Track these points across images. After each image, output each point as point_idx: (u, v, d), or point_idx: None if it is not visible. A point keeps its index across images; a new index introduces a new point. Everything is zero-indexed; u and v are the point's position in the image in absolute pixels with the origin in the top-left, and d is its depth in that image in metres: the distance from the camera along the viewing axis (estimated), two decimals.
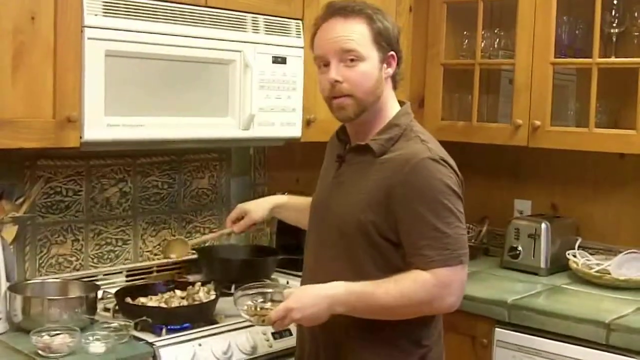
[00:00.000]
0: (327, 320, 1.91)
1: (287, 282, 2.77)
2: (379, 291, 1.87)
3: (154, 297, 2.46)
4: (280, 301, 1.92)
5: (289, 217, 2.46)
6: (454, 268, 1.89)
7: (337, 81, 1.95)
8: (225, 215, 3.07)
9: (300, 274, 2.20)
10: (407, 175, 1.91)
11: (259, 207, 2.45)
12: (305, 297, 1.89)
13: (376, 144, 1.99)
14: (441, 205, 1.89)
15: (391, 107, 2.04)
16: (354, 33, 1.94)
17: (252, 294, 2.04)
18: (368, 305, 1.89)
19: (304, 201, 2.33)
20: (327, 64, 1.97)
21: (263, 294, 2.04)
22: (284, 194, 2.69)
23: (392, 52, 2.00)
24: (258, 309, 1.99)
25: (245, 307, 1.99)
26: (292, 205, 2.44)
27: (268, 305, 1.99)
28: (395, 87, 2.07)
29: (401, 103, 2.09)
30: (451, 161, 1.98)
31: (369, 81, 1.96)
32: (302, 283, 2.14)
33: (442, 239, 1.88)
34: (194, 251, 2.84)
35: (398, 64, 2.03)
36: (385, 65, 1.99)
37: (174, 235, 2.91)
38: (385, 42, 1.97)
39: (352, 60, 1.94)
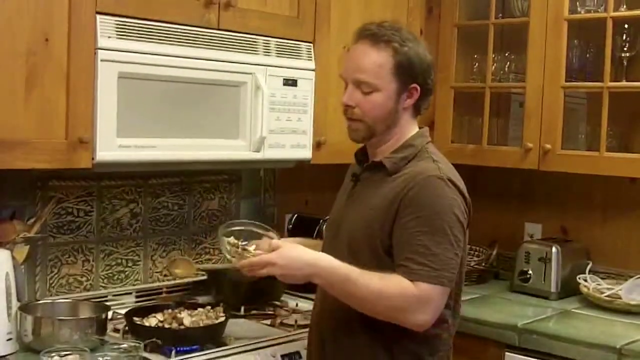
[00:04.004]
0: (338, 334, 1.94)
1: (297, 305, 2.77)
2: (361, 281, 1.87)
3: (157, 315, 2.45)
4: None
5: None
6: (433, 286, 1.87)
7: (349, 105, 2.00)
8: None
9: (308, 295, 2.20)
10: (410, 190, 1.92)
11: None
12: (291, 258, 1.90)
13: (390, 162, 2.01)
14: (436, 225, 1.89)
15: (409, 131, 2.05)
16: (374, 64, 1.96)
17: (238, 230, 2.04)
18: (345, 290, 1.90)
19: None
20: (347, 85, 2.02)
21: (250, 232, 2.07)
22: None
23: (415, 85, 1.99)
24: (240, 249, 1.99)
25: (229, 247, 2.00)
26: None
27: (252, 248, 2.00)
28: (416, 116, 2.06)
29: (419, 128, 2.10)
30: (460, 184, 1.98)
31: (381, 111, 1.99)
32: (315, 301, 2.16)
33: (427, 256, 1.87)
34: (201, 272, 2.83)
35: (425, 95, 2.02)
36: (405, 96, 2.00)
37: (183, 256, 2.91)
38: (407, 74, 1.97)
39: (366, 89, 1.97)
